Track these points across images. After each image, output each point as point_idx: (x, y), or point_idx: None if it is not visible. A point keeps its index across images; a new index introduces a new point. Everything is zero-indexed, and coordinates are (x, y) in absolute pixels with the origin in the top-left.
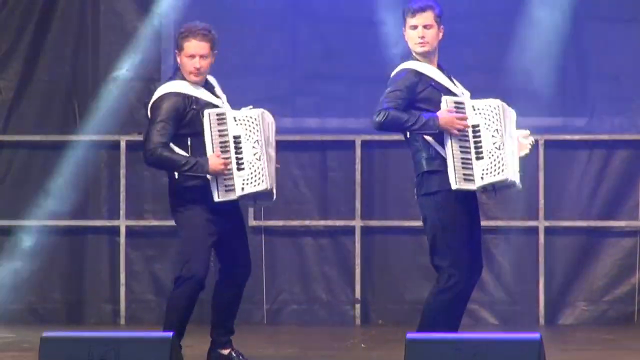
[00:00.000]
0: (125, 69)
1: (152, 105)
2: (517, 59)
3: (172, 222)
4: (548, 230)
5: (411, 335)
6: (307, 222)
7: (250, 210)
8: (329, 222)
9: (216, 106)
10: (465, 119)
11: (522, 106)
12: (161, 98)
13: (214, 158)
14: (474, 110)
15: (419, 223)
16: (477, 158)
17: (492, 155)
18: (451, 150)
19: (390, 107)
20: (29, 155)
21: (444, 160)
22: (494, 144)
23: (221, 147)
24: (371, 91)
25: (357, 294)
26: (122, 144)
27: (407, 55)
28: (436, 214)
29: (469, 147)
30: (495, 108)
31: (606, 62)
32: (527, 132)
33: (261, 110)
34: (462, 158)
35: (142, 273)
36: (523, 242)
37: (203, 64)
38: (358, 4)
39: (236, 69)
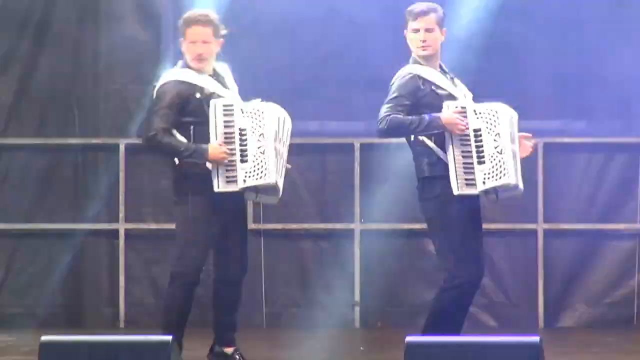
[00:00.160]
0: (125, 72)
1: (156, 91)
2: (518, 61)
3: (171, 226)
4: (547, 233)
5: (411, 338)
6: (306, 225)
7: (250, 213)
8: (328, 225)
9: (221, 96)
10: (465, 123)
11: (521, 109)
12: (165, 84)
13: (214, 146)
14: (476, 114)
15: (418, 226)
16: (479, 162)
17: (494, 160)
18: (452, 155)
19: (392, 114)
20: (29, 159)
21: (446, 165)
22: (496, 148)
23: (226, 138)
24: (370, 95)
25: (357, 297)
26: (121, 147)
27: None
28: (439, 217)
29: (471, 152)
30: (497, 112)
31: (605, 65)
32: (529, 135)
33: (271, 104)
34: (464, 163)
35: (141, 276)
36: (522, 245)
37: (205, 49)
38: (357, 7)
39: (235, 72)
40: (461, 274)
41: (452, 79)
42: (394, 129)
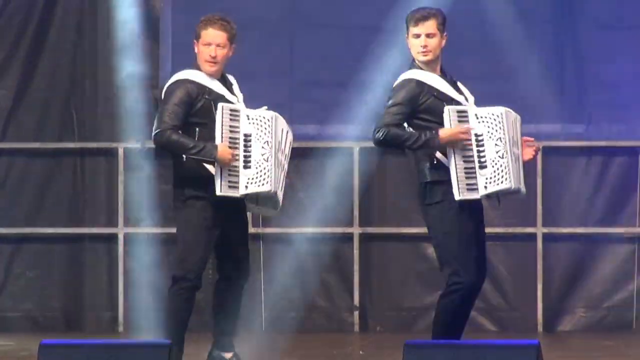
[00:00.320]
0: (123, 76)
1: (165, 90)
2: (514, 65)
3: (170, 230)
4: (546, 237)
5: (410, 342)
6: (305, 230)
7: (249, 217)
8: (327, 229)
9: (229, 101)
10: (468, 131)
11: (521, 113)
12: (175, 83)
13: (223, 146)
14: (477, 118)
15: (417, 230)
16: (481, 167)
17: (496, 164)
18: (454, 160)
19: (391, 124)
20: (27, 163)
21: (448, 169)
22: (497, 152)
23: (230, 142)
24: (370, 98)
25: (356, 301)
26: (120, 152)
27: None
28: (440, 222)
29: (472, 156)
30: (498, 116)
31: (604, 69)
32: (532, 139)
33: (276, 113)
34: (466, 167)
35: (140, 281)
36: (521, 249)
37: (219, 53)
38: (357, 10)
39: (234, 75)
40: (462, 279)
41: (453, 82)
42: (389, 142)
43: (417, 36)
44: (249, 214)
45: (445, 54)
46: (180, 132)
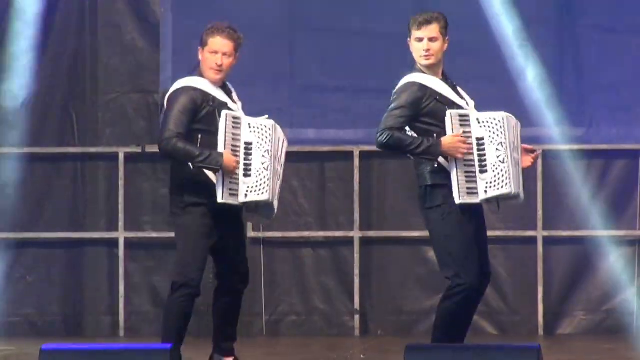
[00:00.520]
0: (123, 81)
1: (168, 97)
2: (514, 69)
3: (171, 234)
4: (547, 240)
5: (410, 345)
6: (305, 234)
7: (251, 222)
8: (328, 233)
9: (231, 109)
10: (469, 145)
11: (521, 116)
12: (179, 90)
13: (228, 154)
14: (479, 123)
15: (417, 234)
16: (481, 171)
17: (496, 169)
18: (455, 164)
19: (394, 127)
20: (28, 168)
21: (448, 173)
22: (498, 157)
23: (232, 150)
24: (370, 102)
25: (356, 305)
26: (121, 156)
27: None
28: (441, 224)
29: (473, 161)
30: (500, 121)
31: (604, 72)
32: (532, 147)
33: (274, 122)
34: (466, 172)
35: (141, 285)
36: (522, 252)
37: (225, 61)
38: (356, 14)
39: (234, 80)
40: (463, 282)
41: (454, 86)
42: (392, 145)
43: (420, 40)
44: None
45: (446, 56)
46: (185, 139)
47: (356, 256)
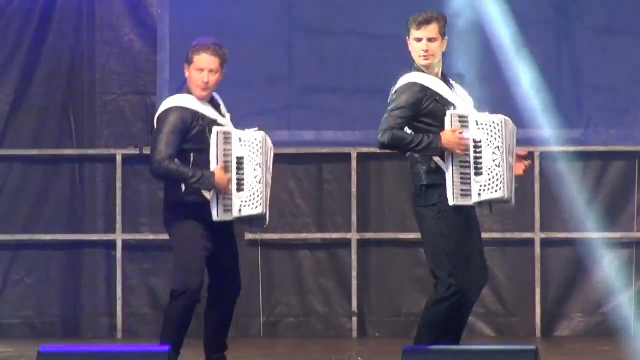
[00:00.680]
0: (121, 83)
1: (158, 118)
2: (512, 70)
3: (168, 236)
4: (544, 242)
5: (408, 347)
6: (303, 235)
7: None
8: (326, 235)
9: (221, 125)
10: (468, 142)
11: (518, 118)
12: (168, 110)
13: (220, 172)
14: (478, 125)
15: (415, 235)
16: (476, 174)
17: (491, 173)
18: (451, 164)
19: (395, 127)
20: (25, 170)
21: (444, 173)
22: (494, 161)
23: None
24: (367, 104)
25: (354, 307)
26: (118, 158)
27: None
28: (435, 224)
29: (469, 162)
30: (498, 124)
31: (601, 74)
32: (526, 153)
33: (264, 134)
34: (462, 173)
35: (138, 287)
36: (519, 254)
37: (211, 78)
38: (354, 16)
39: (232, 82)
40: (456, 283)
41: (452, 86)
42: (393, 145)
43: (419, 40)
44: None
45: (443, 57)
46: (176, 160)
47: (354, 258)
